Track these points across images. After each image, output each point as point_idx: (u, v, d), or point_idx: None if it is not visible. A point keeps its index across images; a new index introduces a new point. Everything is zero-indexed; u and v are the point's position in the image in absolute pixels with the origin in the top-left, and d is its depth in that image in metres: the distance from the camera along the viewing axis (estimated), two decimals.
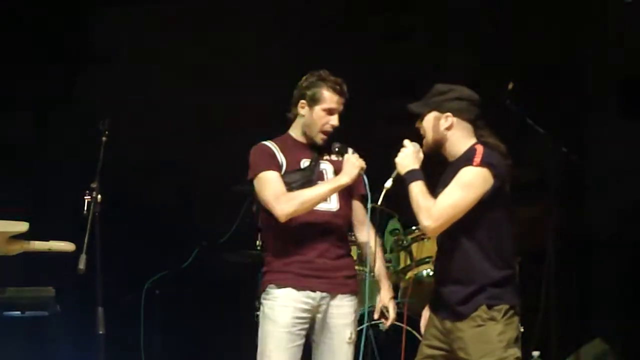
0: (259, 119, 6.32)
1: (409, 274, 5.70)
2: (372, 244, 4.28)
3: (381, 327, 5.00)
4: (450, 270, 3.90)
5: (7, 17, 6.38)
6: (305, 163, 4.28)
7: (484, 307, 3.84)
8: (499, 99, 5.11)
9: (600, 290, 6.51)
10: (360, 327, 4.41)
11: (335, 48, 6.41)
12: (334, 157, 4.32)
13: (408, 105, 4.04)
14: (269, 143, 4.32)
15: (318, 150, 4.30)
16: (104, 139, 4.09)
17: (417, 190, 3.86)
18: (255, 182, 4.25)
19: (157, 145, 6.56)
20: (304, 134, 4.32)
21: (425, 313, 4.13)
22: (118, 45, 6.65)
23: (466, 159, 3.85)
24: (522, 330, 5.27)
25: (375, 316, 4.34)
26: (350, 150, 4.30)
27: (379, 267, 4.35)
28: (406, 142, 3.98)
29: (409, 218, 4.93)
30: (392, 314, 4.30)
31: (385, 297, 4.33)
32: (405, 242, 5.78)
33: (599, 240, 6.53)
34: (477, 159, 3.81)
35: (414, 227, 5.74)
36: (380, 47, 6.64)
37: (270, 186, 4.20)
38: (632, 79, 6.45)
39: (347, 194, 4.30)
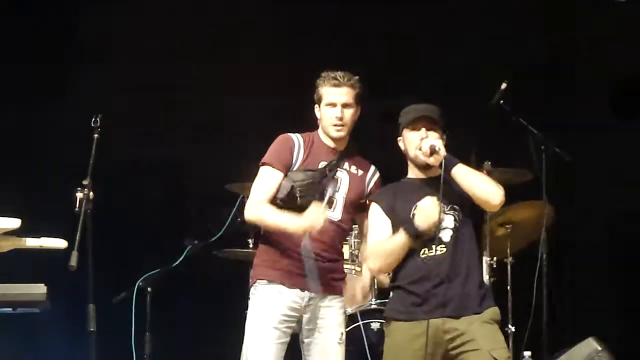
0: (253, 118, 6.33)
1: None
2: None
3: (373, 326, 5.02)
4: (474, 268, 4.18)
5: None
6: (322, 165, 4.28)
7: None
8: (492, 99, 5.12)
9: (592, 290, 6.52)
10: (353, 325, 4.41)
11: (328, 47, 6.41)
12: (353, 169, 4.31)
13: (431, 115, 4.20)
14: (295, 136, 4.33)
15: (339, 156, 4.28)
16: (96, 135, 4.07)
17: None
18: (259, 170, 4.29)
19: (150, 143, 6.54)
20: (325, 134, 4.33)
21: None
22: (110, 42, 6.62)
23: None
24: (513, 330, 5.32)
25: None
26: (329, 191, 4.21)
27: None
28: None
29: None
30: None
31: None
32: None
33: (591, 240, 6.54)
34: None
35: None
36: (374, 46, 6.64)
37: (259, 185, 4.25)
38: (624, 80, 6.45)
39: (357, 207, 4.32)
